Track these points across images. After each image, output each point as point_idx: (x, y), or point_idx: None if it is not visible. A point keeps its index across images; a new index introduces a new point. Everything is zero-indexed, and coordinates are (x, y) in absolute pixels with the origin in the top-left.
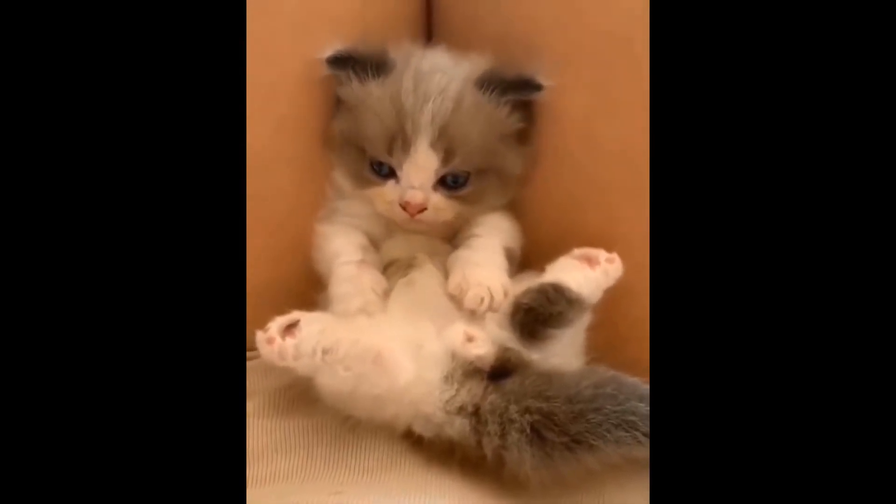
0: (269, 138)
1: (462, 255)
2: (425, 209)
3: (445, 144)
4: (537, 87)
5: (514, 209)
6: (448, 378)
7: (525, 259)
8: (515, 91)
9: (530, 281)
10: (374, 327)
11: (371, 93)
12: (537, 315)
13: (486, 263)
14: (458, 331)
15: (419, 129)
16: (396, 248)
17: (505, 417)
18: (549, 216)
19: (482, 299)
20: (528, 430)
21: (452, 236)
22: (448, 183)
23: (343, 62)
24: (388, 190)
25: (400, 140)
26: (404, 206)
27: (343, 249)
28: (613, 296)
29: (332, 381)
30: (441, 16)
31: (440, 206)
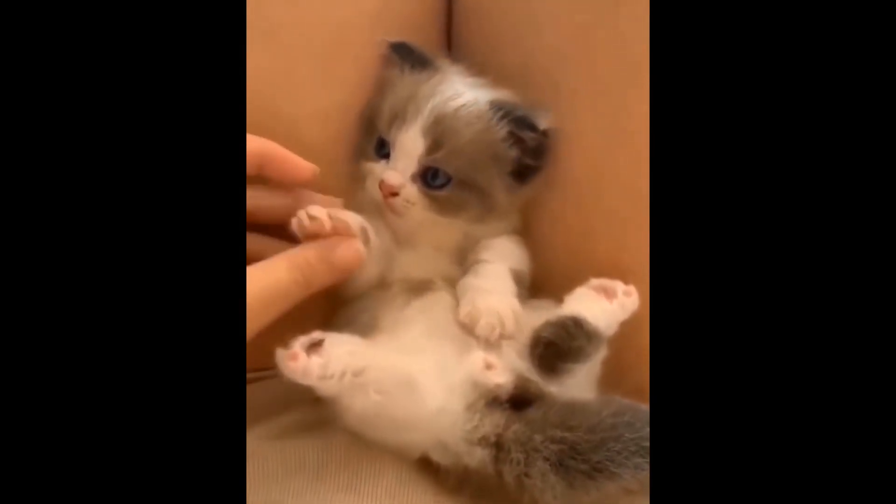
0: None
1: (471, 282)
2: (397, 194)
3: (435, 134)
4: (532, 127)
5: (525, 236)
6: (471, 408)
7: (535, 287)
8: (514, 121)
9: (548, 312)
10: (402, 352)
11: (403, 80)
12: (557, 349)
13: (495, 290)
14: (477, 358)
15: (417, 113)
16: (410, 265)
17: (529, 447)
18: (560, 245)
19: (494, 327)
20: (554, 459)
21: (464, 259)
22: (428, 179)
23: (401, 50)
24: (378, 167)
25: (399, 119)
26: (381, 186)
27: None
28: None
29: (359, 404)
30: (461, 45)
31: (411, 197)
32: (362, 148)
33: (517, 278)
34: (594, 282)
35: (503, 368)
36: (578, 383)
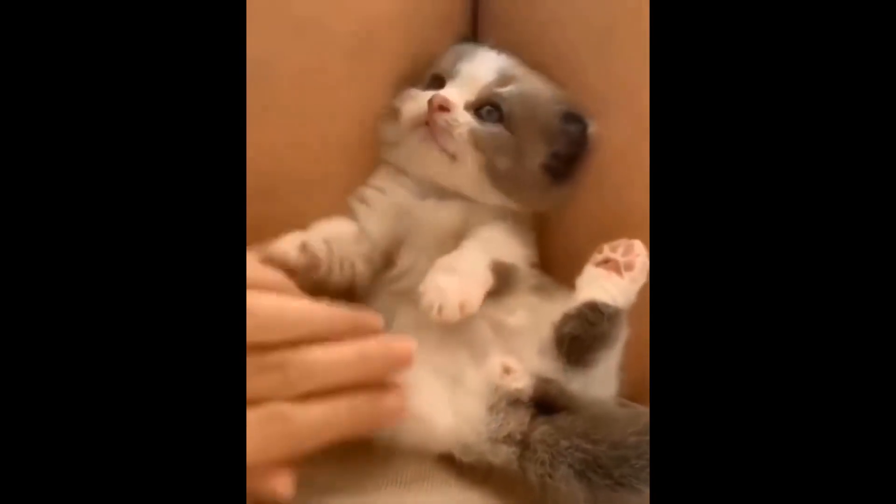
0: (316, 160)
1: (443, 259)
2: (448, 110)
3: (506, 73)
4: (580, 122)
5: (551, 234)
6: (493, 408)
7: (562, 283)
8: (566, 115)
9: (564, 303)
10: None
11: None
12: (583, 342)
13: (460, 272)
14: (495, 364)
15: (493, 47)
16: (415, 262)
17: (555, 450)
18: (586, 242)
19: (432, 307)
20: (577, 468)
21: None
22: (483, 114)
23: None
24: (426, 93)
25: (470, 54)
26: (430, 102)
27: None
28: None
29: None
30: (487, 41)
31: (460, 119)
32: (406, 89)
33: (500, 270)
34: (598, 256)
35: (522, 373)
36: (603, 374)
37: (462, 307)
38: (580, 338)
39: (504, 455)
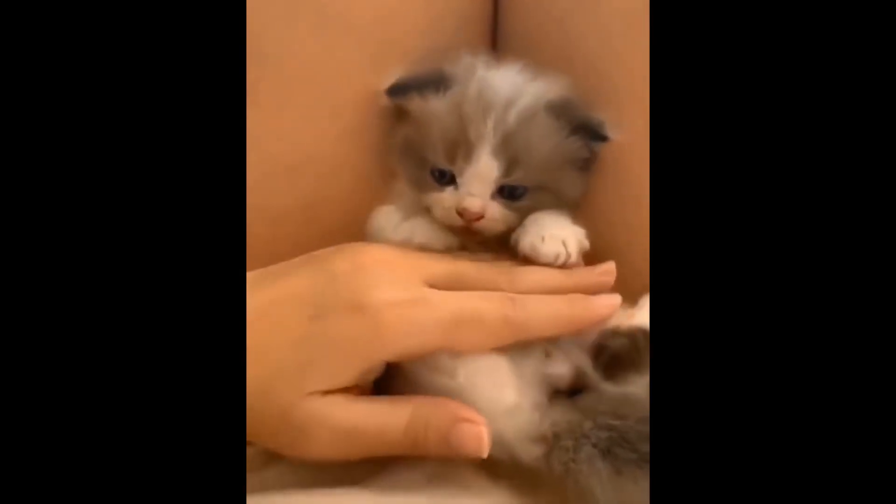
0: (333, 147)
1: (531, 218)
2: (482, 217)
3: (509, 155)
4: (602, 137)
5: None
6: (537, 406)
7: None
8: (583, 131)
9: (618, 316)
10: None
11: (434, 107)
12: (622, 362)
13: (557, 221)
14: (537, 348)
15: (482, 138)
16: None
17: (579, 433)
18: (615, 240)
19: (557, 254)
20: (602, 446)
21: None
22: (505, 194)
23: (403, 89)
24: (447, 196)
25: (462, 148)
26: (461, 213)
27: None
28: None
29: (439, 383)
30: (508, 30)
31: (496, 216)
32: (415, 179)
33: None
34: None
35: (563, 360)
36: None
37: (581, 247)
38: (619, 356)
39: (533, 454)
